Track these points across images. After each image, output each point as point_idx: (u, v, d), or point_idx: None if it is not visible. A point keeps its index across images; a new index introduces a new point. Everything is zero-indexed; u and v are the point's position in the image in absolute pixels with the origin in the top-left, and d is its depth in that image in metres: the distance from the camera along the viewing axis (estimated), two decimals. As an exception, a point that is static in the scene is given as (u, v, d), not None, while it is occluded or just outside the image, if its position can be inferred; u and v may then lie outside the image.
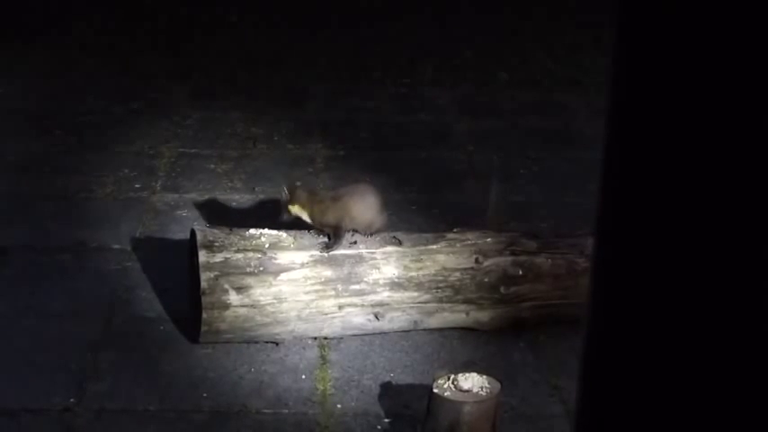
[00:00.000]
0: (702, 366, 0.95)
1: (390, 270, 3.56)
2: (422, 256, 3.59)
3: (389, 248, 3.59)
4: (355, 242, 3.58)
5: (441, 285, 3.58)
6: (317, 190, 3.87)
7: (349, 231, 3.59)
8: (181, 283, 3.70)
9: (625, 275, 0.98)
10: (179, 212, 4.47)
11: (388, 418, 3.21)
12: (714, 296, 0.94)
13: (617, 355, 0.99)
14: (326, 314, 3.52)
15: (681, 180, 0.93)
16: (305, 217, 3.59)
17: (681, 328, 0.95)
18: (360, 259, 3.55)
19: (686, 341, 0.95)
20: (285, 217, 3.61)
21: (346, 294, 3.52)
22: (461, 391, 2.95)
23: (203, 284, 3.41)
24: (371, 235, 3.61)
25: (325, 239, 3.56)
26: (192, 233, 3.55)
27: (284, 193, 3.61)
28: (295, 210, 3.59)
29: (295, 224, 3.61)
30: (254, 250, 3.49)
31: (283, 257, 3.50)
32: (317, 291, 3.50)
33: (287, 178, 4.44)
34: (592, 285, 1.00)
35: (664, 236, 0.94)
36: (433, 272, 3.58)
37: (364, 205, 3.63)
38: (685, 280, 0.95)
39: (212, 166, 4.97)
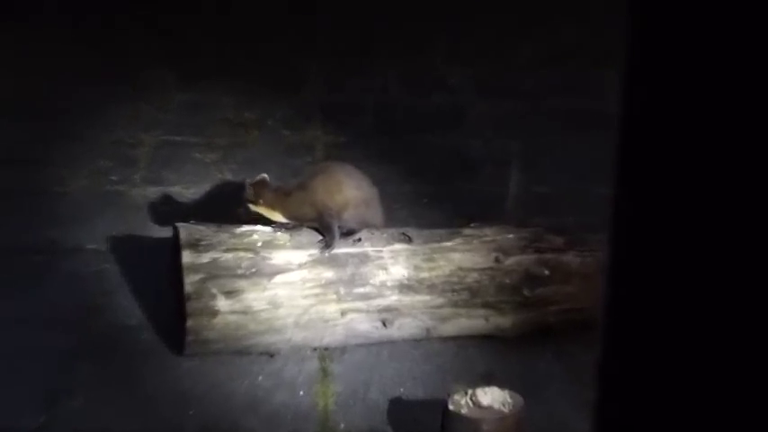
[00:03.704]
0: (719, 368, 0.98)
1: (399, 271, 3.57)
2: (435, 255, 3.61)
3: (398, 246, 3.60)
4: (359, 240, 3.58)
5: (456, 287, 3.59)
6: (281, 185, 3.78)
7: (334, 218, 3.56)
8: (164, 286, 3.70)
9: (640, 275, 1.00)
10: (162, 208, 4.49)
11: (397, 437, 3.23)
12: (725, 297, 0.96)
13: (633, 358, 1.03)
14: (328, 321, 3.53)
15: (700, 177, 0.95)
16: (274, 217, 3.60)
17: (697, 330, 0.98)
18: (365, 259, 3.56)
19: (703, 343, 0.98)
20: (243, 212, 3.61)
21: (350, 299, 3.53)
22: (480, 406, 2.98)
23: (188, 288, 3.42)
24: (347, 218, 3.58)
25: (321, 238, 3.57)
26: (176, 230, 3.55)
27: (248, 188, 3.61)
28: (260, 210, 3.61)
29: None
30: (245, 249, 3.50)
31: (278, 257, 3.50)
32: (316, 295, 3.51)
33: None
34: (607, 285, 1.03)
35: (678, 234, 0.97)
36: (447, 272, 3.60)
37: (330, 184, 3.62)
38: (701, 279, 0.97)
39: (199, 155, 4.99)
